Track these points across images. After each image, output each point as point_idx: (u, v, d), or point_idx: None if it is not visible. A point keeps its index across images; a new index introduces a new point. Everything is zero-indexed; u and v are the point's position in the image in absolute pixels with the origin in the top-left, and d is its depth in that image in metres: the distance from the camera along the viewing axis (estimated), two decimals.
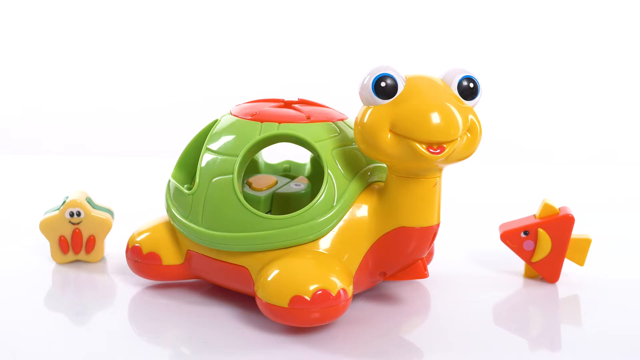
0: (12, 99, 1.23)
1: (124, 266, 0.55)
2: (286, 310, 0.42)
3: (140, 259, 0.50)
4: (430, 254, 0.54)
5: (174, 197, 0.49)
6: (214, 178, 0.46)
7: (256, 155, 0.57)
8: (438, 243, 0.54)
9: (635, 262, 0.60)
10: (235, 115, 0.49)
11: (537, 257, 0.53)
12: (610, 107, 1.19)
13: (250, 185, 0.51)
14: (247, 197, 0.48)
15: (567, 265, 0.58)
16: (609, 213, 0.78)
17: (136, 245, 0.50)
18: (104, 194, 0.65)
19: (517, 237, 0.53)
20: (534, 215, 0.54)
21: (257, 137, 0.46)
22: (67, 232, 0.56)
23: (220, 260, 0.46)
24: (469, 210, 0.77)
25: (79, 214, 0.56)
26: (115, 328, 0.46)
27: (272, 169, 0.58)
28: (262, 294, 0.43)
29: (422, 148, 0.40)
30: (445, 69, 0.43)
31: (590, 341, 0.44)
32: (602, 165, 1.03)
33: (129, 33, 1.24)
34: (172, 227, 0.50)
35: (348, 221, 0.45)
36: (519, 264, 0.57)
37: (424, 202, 0.44)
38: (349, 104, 0.50)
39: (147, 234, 0.50)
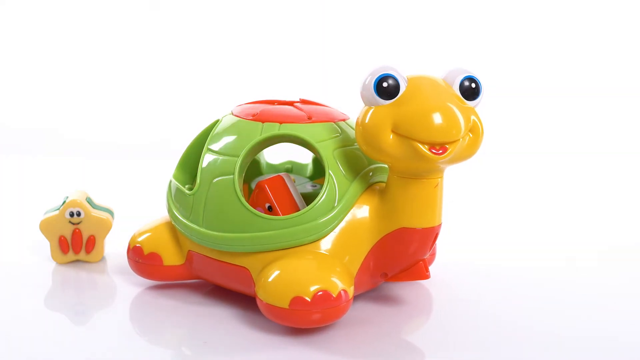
0: (12, 99, 1.23)
1: (124, 266, 0.55)
2: (287, 311, 0.42)
3: (142, 259, 0.50)
4: (432, 255, 0.54)
5: (175, 198, 0.49)
6: (215, 178, 0.46)
7: (258, 155, 0.57)
8: (440, 244, 0.54)
9: (635, 262, 0.60)
10: (236, 116, 0.49)
11: None
12: (611, 106, 1.19)
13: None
14: None
15: (568, 266, 0.58)
16: (609, 211, 0.78)
17: (137, 245, 0.50)
18: (104, 194, 0.64)
19: None
20: None
21: (258, 138, 0.46)
22: (67, 232, 0.56)
23: (221, 261, 0.46)
24: (471, 210, 0.77)
25: (79, 214, 0.55)
26: (115, 328, 0.46)
27: (274, 169, 0.58)
28: (263, 295, 0.43)
29: (424, 149, 0.40)
30: (447, 69, 0.43)
31: (590, 341, 0.44)
32: (602, 163, 1.03)
33: (130, 34, 1.24)
34: (173, 228, 0.50)
35: (349, 222, 0.44)
36: (521, 265, 0.57)
37: (426, 203, 0.44)
38: (351, 104, 0.50)
39: (148, 234, 0.50)
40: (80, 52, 1.24)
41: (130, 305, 0.49)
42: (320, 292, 0.41)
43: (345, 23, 1.23)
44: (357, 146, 0.46)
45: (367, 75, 0.42)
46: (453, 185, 0.60)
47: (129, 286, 0.52)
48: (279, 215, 0.45)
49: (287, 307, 0.41)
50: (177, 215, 0.48)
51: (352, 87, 0.47)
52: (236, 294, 0.49)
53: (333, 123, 0.48)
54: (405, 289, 0.52)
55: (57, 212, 0.56)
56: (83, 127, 1.17)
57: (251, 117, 0.48)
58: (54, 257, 0.56)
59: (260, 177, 0.54)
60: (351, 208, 0.45)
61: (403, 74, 0.42)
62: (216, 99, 1.05)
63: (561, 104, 1.19)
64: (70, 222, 0.56)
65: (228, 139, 0.47)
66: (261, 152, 0.57)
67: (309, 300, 0.41)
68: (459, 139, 0.40)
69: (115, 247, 0.58)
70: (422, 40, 1.21)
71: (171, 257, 0.49)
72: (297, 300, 0.41)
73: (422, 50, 1.19)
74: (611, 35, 1.22)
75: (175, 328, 0.46)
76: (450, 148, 0.40)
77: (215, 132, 0.49)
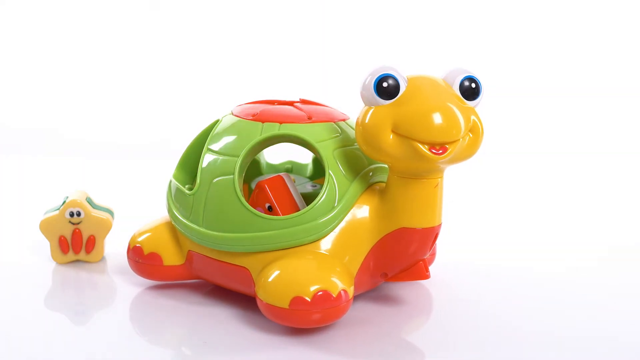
0: (12, 99, 1.23)
1: (124, 266, 0.55)
2: (287, 311, 0.42)
3: (142, 259, 0.50)
4: (433, 255, 0.54)
5: (175, 198, 0.49)
6: (215, 178, 0.46)
7: (258, 155, 0.57)
8: (440, 244, 0.54)
9: (635, 262, 0.60)
10: (236, 116, 0.49)
11: None
12: (611, 106, 1.19)
13: None
14: None
15: (568, 266, 0.58)
16: (609, 211, 0.78)
17: (137, 245, 0.50)
18: (104, 194, 0.64)
19: None
20: None
21: (258, 138, 0.46)
22: (67, 232, 0.56)
23: (221, 261, 0.46)
24: (471, 210, 0.77)
25: (79, 214, 0.55)
26: (115, 328, 0.46)
27: (274, 169, 0.58)
28: (263, 295, 0.43)
29: (424, 149, 0.40)
30: (447, 69, 0.43)
31: (590, 341, 0.44)
32: (602, 163, 1.03)
33: (130, 34, 1.24)
34: (173, 228, 0.50)
35: (349, 222, 0.44)
36: (521, 265, 0.57)
37: (426, 203, 0.44)
38: (351, 104, 0.50)
39: (148, 234, 0.50)
40: (80, 52, 1.24)
41: (130, 305, 0.49)
42: (320, 292, 0.41)
43: (345, 23, 1.23)
44: (357, 146, 0.46)
45: (367, 75, 0.42)
46: (453, 185, 0.60)
47: (129, 286, 0.52)
48: (279, 215, 0.45)
49: (287, 307, 0.41)
50: (177, 215, 0.48)
51: (352, 87, 0.47)
52: (236, 294, 0.49)
53: (333, 123, 0.48)
54: (405, 289, 0.52)
55: (57, 212, 0.56)
56: (83, 127, 1.17)
57: (251, 117, 0.48)
58: (54, 257, 0.56)
59: (260, 177, 0.54)
60: (351, 208, 0.45)
61: (403, 74, 0.42)
62: (216, 99, 1.05)
63: (561, 104, 1.19)
64: (70, 222, 0.56)
65: (228, 139, 0.47)
66: (261, 152, 0.57)
67: (309, 300, 0.41)
68: (459, 139, 0.40)
69: (115, 247, 0.58)
70: (422, 40, 1.21)
71: (171, 257, 0.49)
72: (297, 300, 0.41)
73: (422, 50, 1.19)
74: (611, 35, 1.22)
75: (175, 328, 0.46)
76: (450, 148, 0.40)
77: (215, 132, 0.49)
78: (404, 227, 0.44)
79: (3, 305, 0.49)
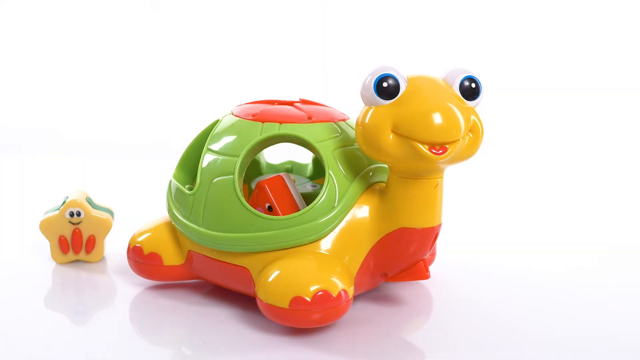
0: (12, 99, 1.23)
1: (124, 266, 0.55)
2: (287, 311, 0.42)
3: (142, 259, 0.50)
4: (433, 255, 0.54)
5: (175, 198, 0.49)
6: (215, 178, 0.46)
7: (258, 155, 0.57)
8: (440, 244, 0.54)
9: (635, 262, 0.60)
10: (236, 116, 0.49)
11: None
12: (611, 106, 1.19)
13: None
14: None
15: (568, 266, 0.58)
16: (609, 211, 0.78)
17: (137, 245, 0.50)
18: (104, 194, 0.64)
19: None
20: None
21: (258, 137, 0.46)
22: (67, 232, 0.56)
23: (221, 261, 0.46)
24: (471, 210, 0.77)
25: (79, 214, 0.56)
26: (115, 328, 0.46)
27: (274, 169, 0.58)
28: (263, 295, 0.43)
29: (424, 149, 0.40)
30: (447, 69, 0.43)
31: (590, 341, 0.44)
32: (602, 163, 1.03)
33: (130, 34, 1.24)
34: (173, 228, 0.50)
35: (349, 222, 0.44)
36: (521, 265, 0.57)
37: (426, 203, 0.44)
38: (351, 104, 0.50)
39: (148, 234, 0.50)
40: (80, 52, 1.24)
41: (130, 305, 0.49)
42: (320, 292, 0.41)
43: (345, 23, 1.23)
44: (357, 146, 0.46)
45: (367, 75, 0.42)
46: (453, 185, 0.60)
47: (129, 286, 0.52)
48: (279, 215, 0.45)
49: (287, 307, 0.41)
50: (177, 215, 0.48)
51: (352, 87, 0.47)
52: (236, 294, 0.49)
53: (333, 123, 0.48)
54: (405, 289, 0.52)
55: (57, 212, 0.56)
56: (83, 127, 1.17)
57: (251, 117, 0.48)
58: (54, 257, 0.57)
59: (260, 177, 0.54)
60: (351, 208, 0.45)
61: (403, 74, 0.42)
62: (216, 99, 1.05)
63: (561, 104, 1.19)
64: (70, 222, 0.56)
65: (228, 139, 0.47)
66: (261, 152, 0.57)
67: (309, 300, 0.41)
68: (459, 139, 0.40)
69: (115, 247, 0.58)
70: (422, 40, 1.21)
71: (171, 257, 0.49)
72: (297, 300, 0.41)
73: (422, 50, 1.19)
74: (611, 35, 1.22)
75: (175, 328, 0.46)
76: (450, 148, 0.40)
77: (215, 132, 0.49)
78: (404, 227, 0.44)
79: (3, 305, 0.49)
